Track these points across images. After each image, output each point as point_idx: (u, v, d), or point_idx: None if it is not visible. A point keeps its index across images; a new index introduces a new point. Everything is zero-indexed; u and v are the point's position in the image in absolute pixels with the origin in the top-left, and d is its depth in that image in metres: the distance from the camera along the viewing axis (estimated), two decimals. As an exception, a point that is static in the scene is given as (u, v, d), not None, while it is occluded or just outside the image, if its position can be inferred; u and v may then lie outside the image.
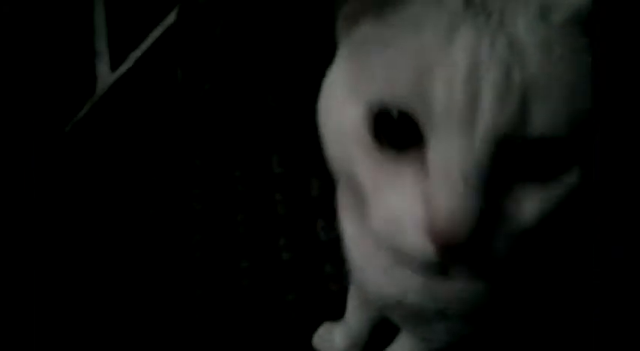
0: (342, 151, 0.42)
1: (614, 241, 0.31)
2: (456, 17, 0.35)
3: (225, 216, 1.12)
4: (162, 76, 1.26)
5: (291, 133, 1.12)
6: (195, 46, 1.28)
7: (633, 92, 0.33)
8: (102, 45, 1.34)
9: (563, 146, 0.36)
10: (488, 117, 0.34)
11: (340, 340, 0.95)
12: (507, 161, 0.36)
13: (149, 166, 1.19)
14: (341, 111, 0.41)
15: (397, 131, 0.38)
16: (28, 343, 1.01)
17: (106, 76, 1.31)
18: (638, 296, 0.31)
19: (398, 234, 0.38)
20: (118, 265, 1.11)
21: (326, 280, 0.97)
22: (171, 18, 1.31)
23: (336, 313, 0.93)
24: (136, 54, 1.31)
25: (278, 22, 1.24)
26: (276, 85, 1.18)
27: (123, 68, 1.30)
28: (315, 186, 1.06)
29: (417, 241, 0.37)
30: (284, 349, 1.00)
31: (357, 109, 0.40)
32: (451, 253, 0.36)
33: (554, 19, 0.36)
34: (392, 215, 0.38)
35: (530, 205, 0.37)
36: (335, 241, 0.61)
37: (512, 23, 0.35)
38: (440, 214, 0.35)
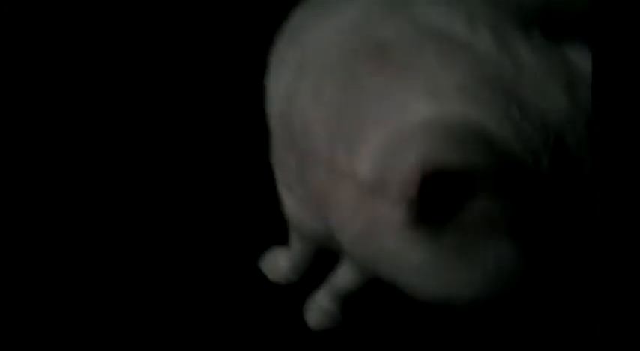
0: None
1: (614, 242, 0.33)
2: None
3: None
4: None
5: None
6: None
7: (632, 93, 0.35)
8: None
9: None
10: None
11: (284, 263, 1.01)
12: None
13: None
14: None
15: None
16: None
17: None
18: (638, 296, 0.33)
19: None
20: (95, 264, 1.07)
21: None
22: None
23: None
24: None
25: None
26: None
27: None
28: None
29: None
30: (232, 273, 1.05)
31: None
32: None
33: None
34: None
35: None
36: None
37: None
38: None
